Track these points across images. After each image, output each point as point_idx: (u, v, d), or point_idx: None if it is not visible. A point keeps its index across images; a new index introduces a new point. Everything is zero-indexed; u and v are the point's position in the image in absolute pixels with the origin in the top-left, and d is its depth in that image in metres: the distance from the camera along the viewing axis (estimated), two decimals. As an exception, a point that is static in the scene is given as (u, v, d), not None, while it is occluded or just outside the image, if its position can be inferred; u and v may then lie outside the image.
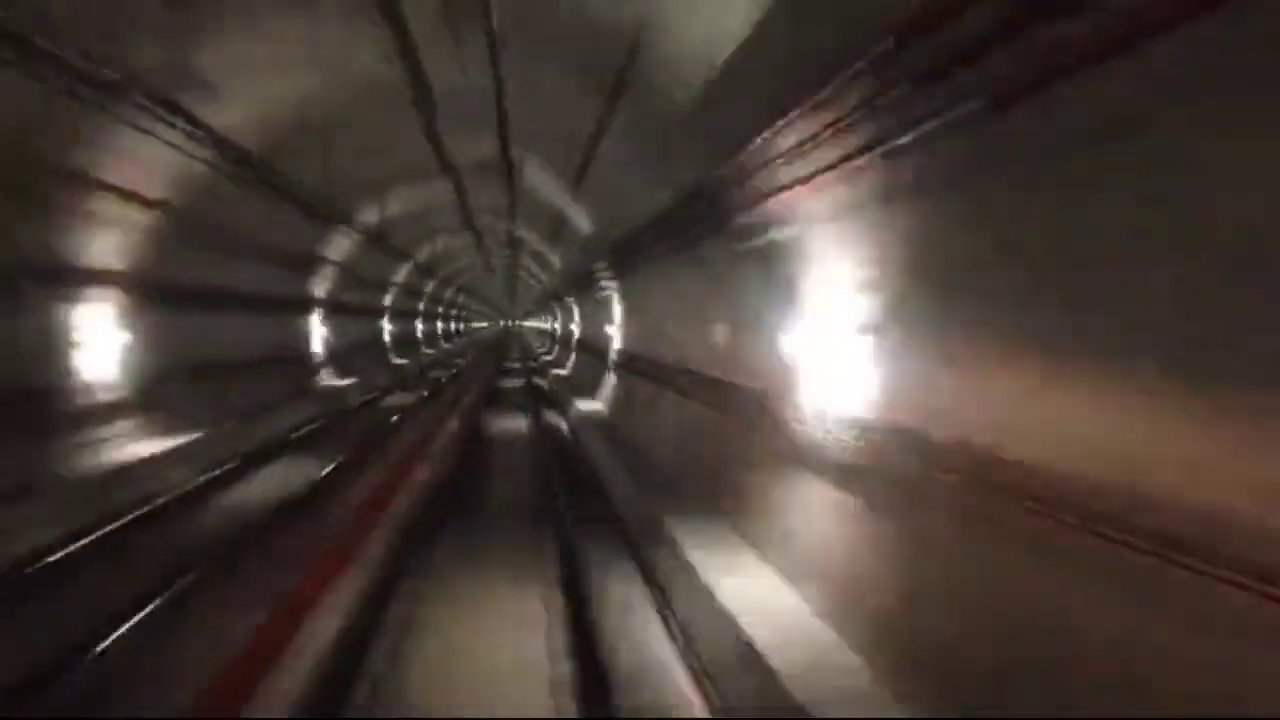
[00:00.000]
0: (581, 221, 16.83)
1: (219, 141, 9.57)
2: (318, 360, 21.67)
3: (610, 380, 17.64)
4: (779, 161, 5.85)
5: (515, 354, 44.90)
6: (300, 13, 7.88)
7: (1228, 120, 2.56)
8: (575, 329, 28.99)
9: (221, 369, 14.10)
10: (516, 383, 26.82)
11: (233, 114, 9.64)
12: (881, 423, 5.09)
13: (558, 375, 26.77)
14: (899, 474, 4.73)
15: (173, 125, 8.45)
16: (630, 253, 12.14)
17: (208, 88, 8.79)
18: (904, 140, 4.28)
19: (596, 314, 21.75)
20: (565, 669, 5.10)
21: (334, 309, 23.22)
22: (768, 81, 5.88)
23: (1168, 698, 2.68)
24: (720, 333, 8.47)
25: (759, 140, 6.00)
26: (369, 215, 18.91)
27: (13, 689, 4.58)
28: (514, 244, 26.56)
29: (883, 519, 4.90)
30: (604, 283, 17.41)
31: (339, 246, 20.05)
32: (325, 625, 5.03)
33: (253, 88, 9.52)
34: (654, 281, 12.49)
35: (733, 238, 7.04)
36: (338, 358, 23.61)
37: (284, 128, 10.90)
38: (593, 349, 22.27)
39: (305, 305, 20.66)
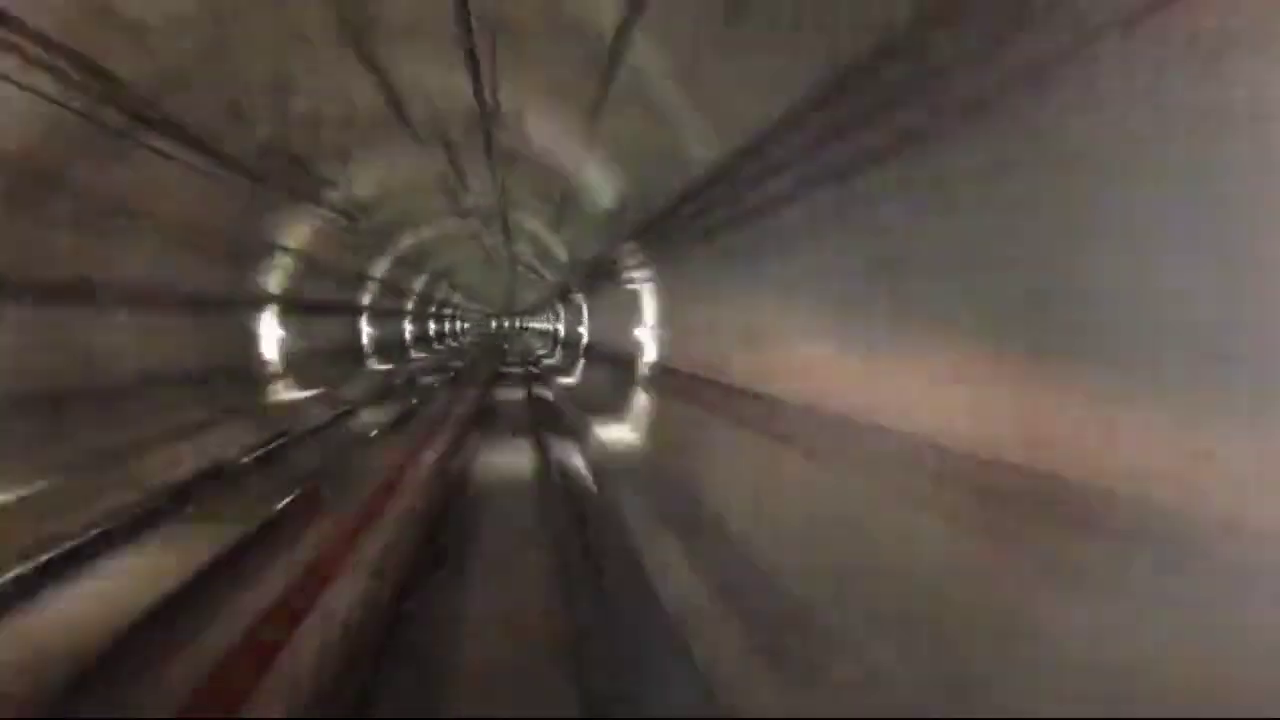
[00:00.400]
0: (560, 252, 24.24)
1: (341, 212, 16.99)
2: (366, 351, 29.13)
3: (580, 362, 25.07)
4: (630, 252, 13.28)
5: (516, 348, 52.19)
6: (395, 144, 15.28)
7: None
8: (562, 329, 36.38)
9: (321, 354, 21.53)
10: (516, 370, 34.20)
11: (350, 200, 17.07)
12: (663, 362, 12.50)
13: (549, 364, 34.15)
14: (669, 385, 12.12)
15: (321, 208, 15.88)
16: (589, 278, 19.54)
17: (345, 186, 16.22)
18: (652, 259, 11.73)
19: (574, 317, 29.16)
20: (538, 466, 12.50)
21: (374, 313, 30.64)
22: (624, 222, 13.29)
23: (721, 464, 10.11)
24: (617, 328, 15.90)
25: (624, 245, 13.44)
26: (408, 241, 26.42)
27: (313, 477, 11.96)
28: (514, 259, 33.97)
29: (660, 401, 12.30)
30: (576, 296, 24.83)
31: (381, 266, 27.49)
32: (431, 453, 12.41)
33: (365, 183, 16.92)
34: (600, 299, 19.90)
35: (619, 282, 14.48)
36: (376, 350, 31.03)
37: (373, 199, 18.35)
38: (572, 343, 29.69)
39: (359, 310, 28.10)
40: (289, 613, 5.51)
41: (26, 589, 6.45)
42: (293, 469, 12.03)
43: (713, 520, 7.55)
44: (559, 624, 5.93)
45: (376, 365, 29.45)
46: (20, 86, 6.73)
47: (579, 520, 8.29)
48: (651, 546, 7.13)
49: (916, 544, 4.45)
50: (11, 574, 6.52)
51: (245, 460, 11.86)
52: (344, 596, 5.87)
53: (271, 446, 12.89)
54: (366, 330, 29.87)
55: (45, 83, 6.96)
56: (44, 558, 6.87)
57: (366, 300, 29.12)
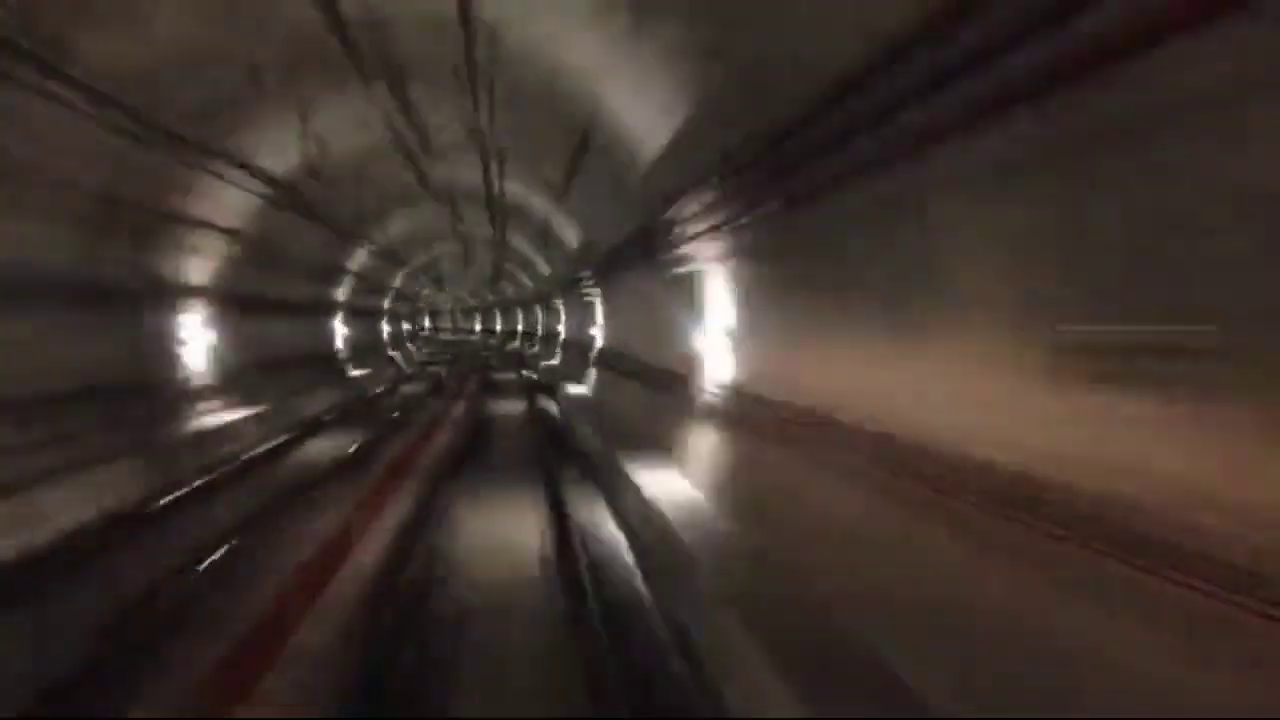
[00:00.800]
0: (544, 268, 32.07)
1: (380, 246, 24.81)
2: (384, 343, 36.96)
3: (559, 352, 32.97)
4: (586, 276, 21.21)
5: (505, 336, 59.97)
6: (420, 203, 23.15)
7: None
8: (541, 327, 44.21)
9: (364, 346, 29.32)
10: (509, 352, 42.04)
11: (385, 240, 24.91)
12: (605, 348, 20.42)
13: (533, 354, 41.99)
14: (605, 361, 20.03)
15: (369, 243, 23.69)
16: (564, 291, 27.41)
17: (387, 225, 24.04)
18: (599, 281, 19.69)
19: (553, 318, 37.00)
20: (526, 409, 20.37)
21: (392, 315, 38.43)
22: (585, 257, 21.18)
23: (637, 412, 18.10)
24: (583, 327, 23.81)
25: (581, 273, 21.36)
26: (419, 259, 34.23)
27: (370, 439, 19.84)
28: (499, 272, 41.77)
29: (599, 370, 20.22)
30: (556, 303, 32.67)
31: (397, 277, 35.28)
32: (461, 406, 20.27)
33: (399, 224, 24.73)
34: (572, 307, 27.79)
35: (580, 294, 22.39)
36: (392, 343, 38.82)
37: (402, 234, 26.18)
38: (554, 337, 37.57)
39: (382, 314, 35.91)
40: (417, 447, 13.39)
41: (288, 445, 14.31)
42: (387, 407, 19.95)
43: (603, 413, 15.48)
44: (534, 452, 13.85)
45: (392, 353, 37.29)
46: (258, 195, 14.30)
47: (547, 421, 16.24)
48: (576, 422, 15.10)
49: (656, 409, 12.35)
50: (281, 439, 14.35)
51: (360, 402, 19.78)
52: (438, 443, 13.74)
53: (368, 397, 20.87)
54: (386, 329, 37.68)
55: (267, 193, 14.52)
56: (297, 433, 14.74)
57: (387, 304, 36.91)
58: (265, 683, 5.18)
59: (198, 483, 10.57)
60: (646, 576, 7.45)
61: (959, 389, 4.66)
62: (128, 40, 8.26)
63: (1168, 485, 3.20)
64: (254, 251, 15.76)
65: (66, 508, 8.36)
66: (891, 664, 4.44)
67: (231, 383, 15.03)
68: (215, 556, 7.68)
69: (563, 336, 33.48)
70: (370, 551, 7.91)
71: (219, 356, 14.81)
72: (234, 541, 8.14)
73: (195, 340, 14.04)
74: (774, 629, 4.98)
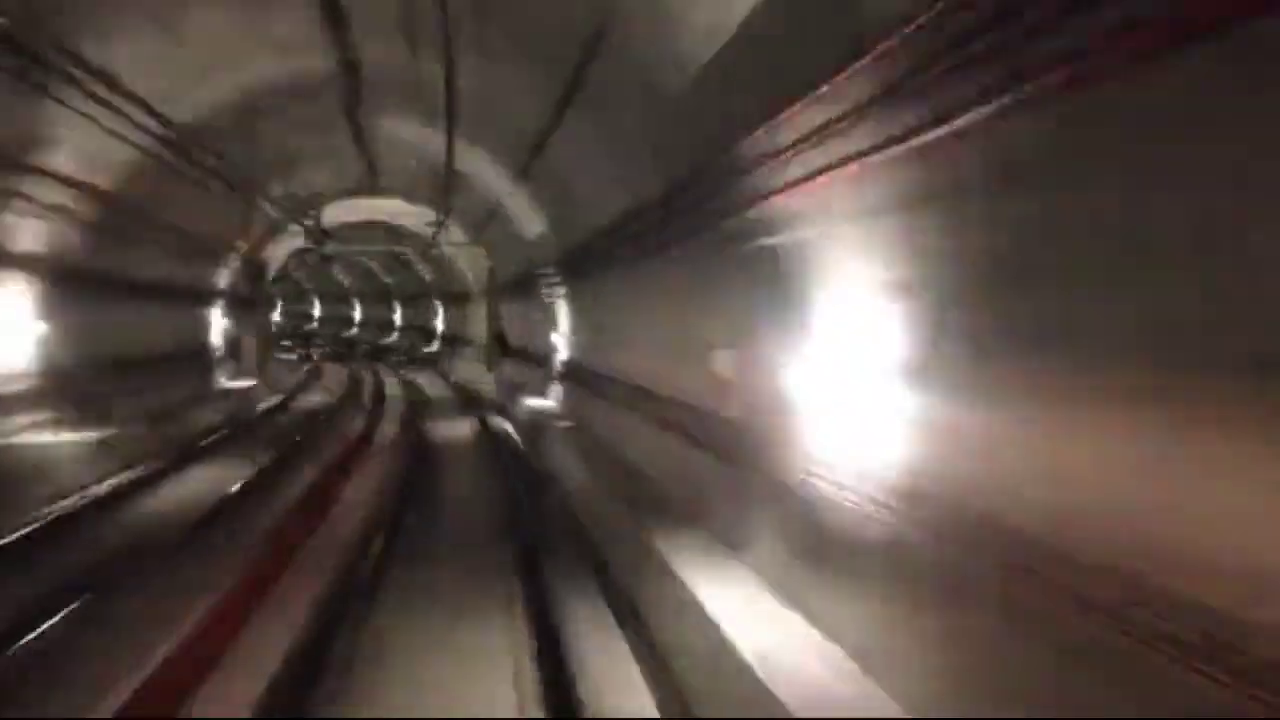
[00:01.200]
0: (427, 275, 39.47)
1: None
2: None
3: (437, 341, 40.52)
4: (478, 292, 29.27)
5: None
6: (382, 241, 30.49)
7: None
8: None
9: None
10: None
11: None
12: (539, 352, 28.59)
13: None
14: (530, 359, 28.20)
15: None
16: (449, 302, 35.10)
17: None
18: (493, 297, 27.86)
19: (431, 321, 44.44)
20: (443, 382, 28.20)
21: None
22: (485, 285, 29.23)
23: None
24: (461, 326, 31.88)
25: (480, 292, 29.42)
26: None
27: (345, 395, 27.13)
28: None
29: (523, 372, 28.36)
30: (435, 304, 40.19)
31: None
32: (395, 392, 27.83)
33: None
34: (452, 313, 35.60)
35: (469, 305, 30.42)
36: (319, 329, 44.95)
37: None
38: (433, 332, 45.00)
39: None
40: (376, 389, 21.24)
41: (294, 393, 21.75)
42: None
43: (499, 380, 23.77)
44: (459, 405, 22.03)
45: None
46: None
47: (461, 390, 24.45)
48: (490, 391, 23.41)
49: (529, 375, 20.88)
50: (281, 396, 21.67)
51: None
52: (395, 393, 21.59)
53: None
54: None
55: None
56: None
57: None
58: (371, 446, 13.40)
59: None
60: (522, 433, 16.01)
61: (644, 362, 13.47)
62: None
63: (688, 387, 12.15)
64: (248, 265, 22.88)
65: (228, 398, 15.97)
66: (619, 449, 13.18)
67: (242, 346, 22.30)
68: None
69: (440, 329, 41.12)
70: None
71: (227, 333, 21.97)
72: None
73: (217, 323, 21.16)
74: (568, 441, 13.67)
